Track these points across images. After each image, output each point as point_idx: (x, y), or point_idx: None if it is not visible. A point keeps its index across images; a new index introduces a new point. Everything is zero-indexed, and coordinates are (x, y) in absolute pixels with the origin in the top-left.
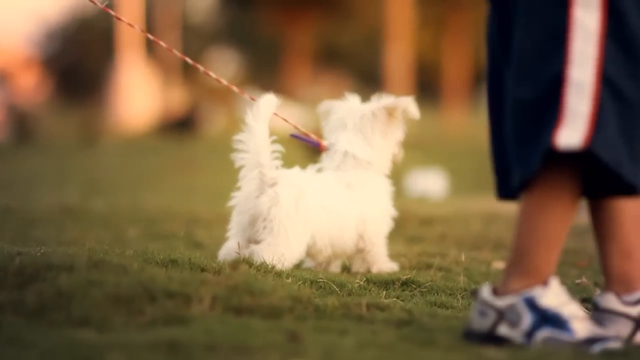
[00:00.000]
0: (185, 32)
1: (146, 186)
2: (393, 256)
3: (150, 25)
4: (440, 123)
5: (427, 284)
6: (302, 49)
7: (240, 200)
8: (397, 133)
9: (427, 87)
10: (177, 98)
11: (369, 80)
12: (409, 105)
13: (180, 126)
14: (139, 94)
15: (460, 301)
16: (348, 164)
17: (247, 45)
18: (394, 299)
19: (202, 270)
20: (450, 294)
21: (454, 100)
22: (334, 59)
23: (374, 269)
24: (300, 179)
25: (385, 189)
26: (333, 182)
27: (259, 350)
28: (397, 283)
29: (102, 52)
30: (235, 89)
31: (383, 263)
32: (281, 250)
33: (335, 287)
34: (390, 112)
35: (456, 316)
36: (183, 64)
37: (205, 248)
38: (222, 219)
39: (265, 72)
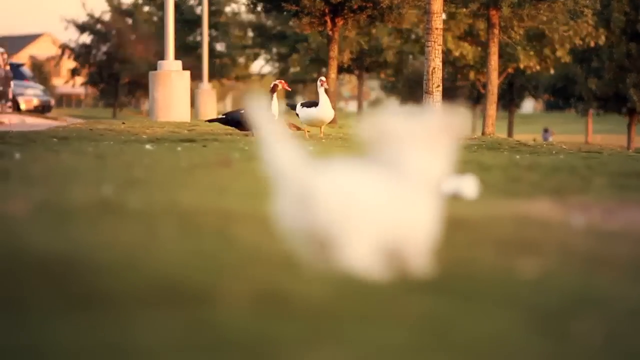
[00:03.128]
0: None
1: (182, 182)
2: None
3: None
4: (476, 126)
5: (458, 289)
6: (339, 52)
7: None
8: (450, 148)
9: (461, 91)
10: (208, 98)
11: (402, 83)
12: (459, 122)
13: (235, 123)
14: (178, 94)
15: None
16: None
17: (283, 46)
18: (422, 300)
19: (232, 270)
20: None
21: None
22: (365, 61)
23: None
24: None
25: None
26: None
27: (285, 352)
28: (429, 284)
29: (141, 46)
30: None
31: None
32: None
33: (360, 287)
34: (446, 127)
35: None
36: (215, 68)
37: (237, 246)
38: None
39: (303, 74)
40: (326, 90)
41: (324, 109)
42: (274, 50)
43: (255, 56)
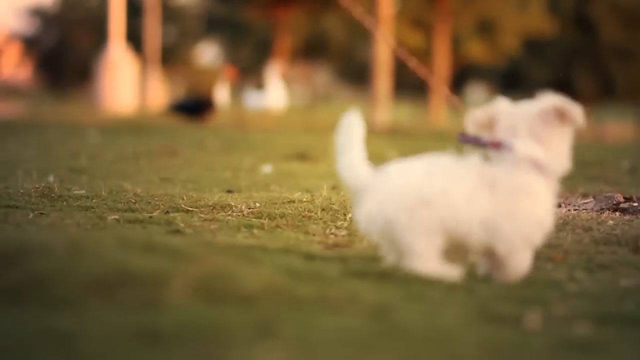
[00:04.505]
0: (166, 15)
1: (128, 171)
2: (370, 248)
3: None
4: (422, 115)
5: (402, 276)
6: (287, 40)
7: None
8: (570, 132)
9: (408, 81)
10: (156, 88)
11: (347, 73)
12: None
13: (194, 110)
14: (125, 81)
15: (435, 294)
16: (523, 166)
17: (232, 34)
18: (370, 291)
19: (179, 257)
20: (425, 287)
21: (437, 93)
22: (314, 52)
23: (501, 275)
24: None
25: (543, 196)
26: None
27: (232, 337)
28: (372, 274)
29: (87, 35)
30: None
31: (513, 271)
32: None
33: (311, 276)
34: (559, 114)
35: (430, 309)
36: (163, 55)
37: (183, 235)
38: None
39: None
40: (277, 78)
41: (272, 96)
42: (223, 38)
43: (204, 44)
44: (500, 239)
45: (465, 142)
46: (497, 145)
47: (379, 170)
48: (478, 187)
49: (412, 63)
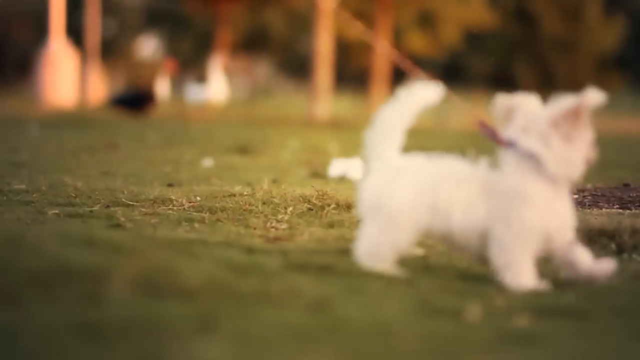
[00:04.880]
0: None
1: (68, 165)
2: (311, 241)
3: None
4: (364, 107)
5: (343, 270)
6: (228, 33)
7: None
8: (586, 134)
9: (349, 73)
10: (96, 79)
11: (288, 65)
12: (594, 98)
13: (134, 103)
14: (65, 75)
15: (376, 287)
16: (522, 168)
17: (173, 28)
18: (311, 284)
19: (120, 251)
20: (366, 280)
21: (378, 85)
22: (254, 45)
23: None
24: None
25: (541, 200)
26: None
27: (173, 332)
28: (314, 267)
29: (27, 28)
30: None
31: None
32: None
33: (252, 270)
34: (576, 114)
35: (370, 302)
36: (103, 48)
37: (124, 229)
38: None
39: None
40: (218, 71)
41: (213, 89)
42: (163, 31)
43: (144, 37)
44: (494, 248)
45: (482, 131)
46: (506, 144)
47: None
48: (477, 193)
49: (411, 69)
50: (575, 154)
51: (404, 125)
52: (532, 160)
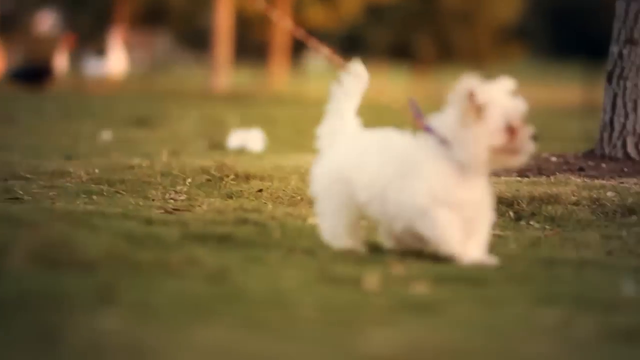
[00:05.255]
0: None
1: None
2: (210, 212)
3: None
4: (264, 80)
5: (242, 239)
6: (126, 7)
7: None
8: (490, 122)
9: (250, 46)
10: None
11: (189, 39)
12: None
13: (31, 76)
14: None
15: (275, 257)
16: (442, 151)
17: (71, 1)
18: (210, 254)
19: (19, 224)
20: (265, 249)
21: (278, 58)
22: (155, 18)
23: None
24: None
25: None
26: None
27: (72, 304)
28: (213, 238)
29: None
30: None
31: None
32: None
33: (151, 241)
34: (469, 100)
35: (269, 271)
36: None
37: (22, 202)
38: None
39: (91, 32)
40: (117, 44)
41: (112, 62)
42: (62, 5)
43: (43, 11)
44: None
45: (410, 108)
46: (425, 128)
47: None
48: (387, 163)
49: (313, 43)
50: (475, 141)
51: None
52: (445, 146)
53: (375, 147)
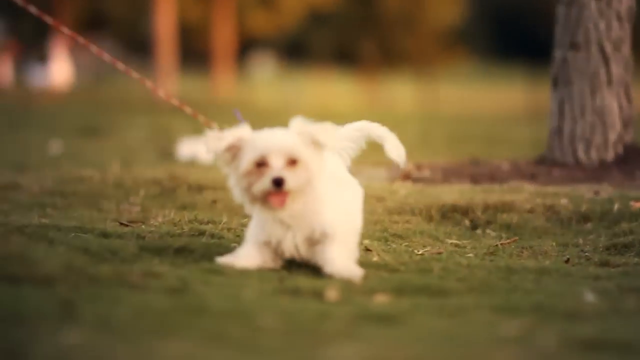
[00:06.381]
0: None
1: None
2: (165, 223)
3: None
4: (209, 87)
5: (200, 251)
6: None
7: None
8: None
9: (193, 53)
10: None
11: (133, 46)
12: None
13: None
14: None
15: (234, 268)
16: None
17: (12, 9)
18: (168, 267)
19: None
20: None
21: (222, 65)
22: (97, 25)
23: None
24: None
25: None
26: None
27: (33, 319)
28: (170, 250)
29: None
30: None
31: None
32: None
33: (108, 254)
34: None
35: (229, 283)
36: None
37: None
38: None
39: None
40: (61, 53)
41: (57, 71)
42: (2, 13)
43: None
44: None
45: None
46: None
47: None
48: None
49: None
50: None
51: None
52: None
53: None
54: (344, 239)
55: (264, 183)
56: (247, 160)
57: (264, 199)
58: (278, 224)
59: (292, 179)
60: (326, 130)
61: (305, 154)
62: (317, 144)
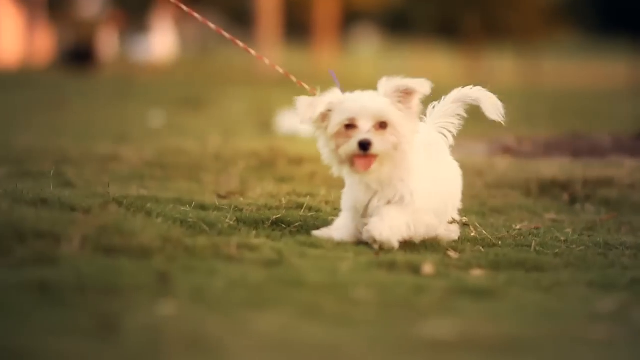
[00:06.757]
0: None
1: (17, 124)
2: (263, 196)
3: None
4: (311, 60)
5: (297, 224)
6: None
7: None
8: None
9: (297, 26)
10: (42, 37)
11: (236, 18)
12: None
13: (78, 58)
14: (6, 31)
15: (331, 241)
16: None
17: None
18: (264, 239)
19: (72, 210)
20: None
21: (325, 38)
22: None
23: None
24: None
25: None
26: None
27: (129, 290)
28: (267, 223)
29: None
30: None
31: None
32: None
33: (205, 226)
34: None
35: (325, 256)
36: (49, 5)
37: (75, 187)
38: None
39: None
40: (167, 24)
41: (162, 43)
42: None
43: None
44: None
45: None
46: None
47: None
48: None
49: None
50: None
51: None
52: None
53: None
54: (420, 213)
55: (350, 145)
56: (336, 122)
57: (351, 162)
58: (364, 188)
59: (379, 143)
60: (417, 80)
61: (395, 118)
62: (409, 94)
